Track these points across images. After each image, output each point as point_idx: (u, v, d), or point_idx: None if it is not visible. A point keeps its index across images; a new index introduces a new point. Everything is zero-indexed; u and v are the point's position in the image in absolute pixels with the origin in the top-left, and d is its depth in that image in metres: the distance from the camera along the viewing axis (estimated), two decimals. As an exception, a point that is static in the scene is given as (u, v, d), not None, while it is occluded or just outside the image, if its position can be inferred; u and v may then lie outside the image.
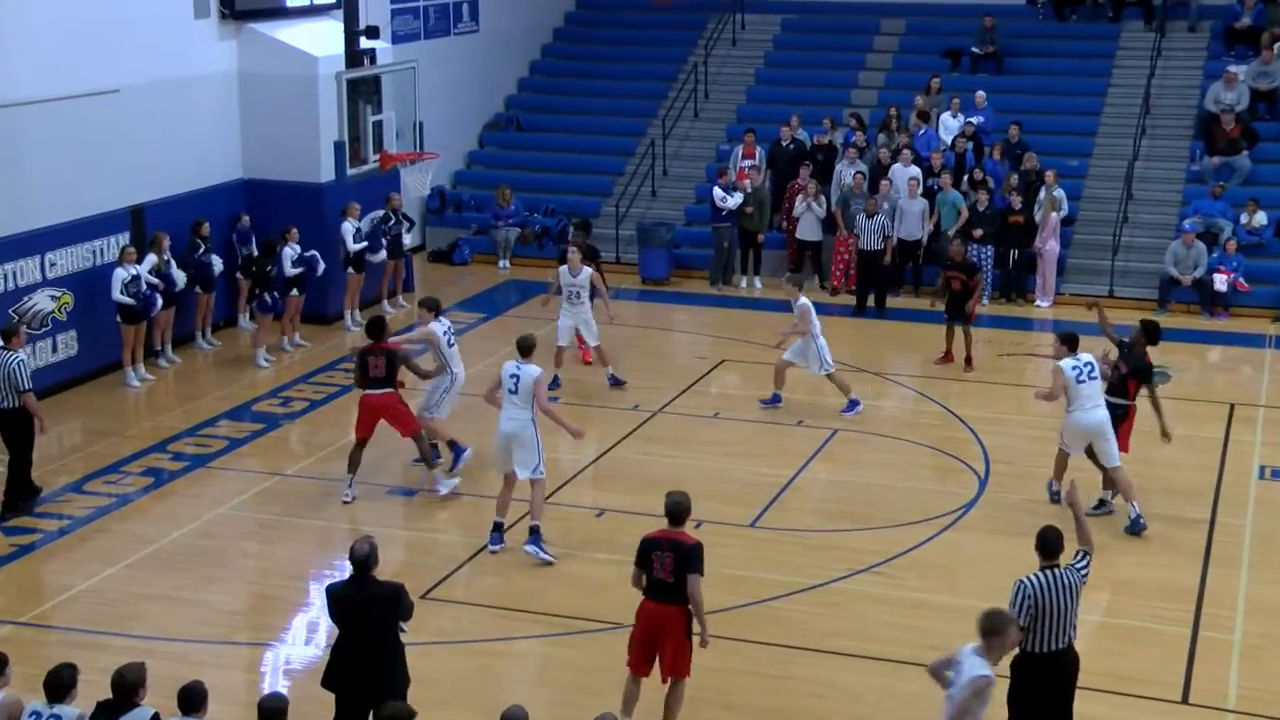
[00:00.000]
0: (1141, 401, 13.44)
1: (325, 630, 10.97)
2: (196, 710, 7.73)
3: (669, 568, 9.23)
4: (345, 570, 9.17)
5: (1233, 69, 22.67)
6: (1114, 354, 13.57)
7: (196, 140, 18.76)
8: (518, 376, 12.31)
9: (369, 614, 8.81)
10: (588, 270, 16.52)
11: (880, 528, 13.17)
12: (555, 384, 16.29)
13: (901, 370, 18.10)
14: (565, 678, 10.60)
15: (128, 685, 7.70)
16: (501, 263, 22.92)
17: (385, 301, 20.27)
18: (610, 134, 25.23)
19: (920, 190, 20.94)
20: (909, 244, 20.98)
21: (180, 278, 17.39)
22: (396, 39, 22.22)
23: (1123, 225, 21.39)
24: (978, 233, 20.42)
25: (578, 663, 10.80)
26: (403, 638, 9.03)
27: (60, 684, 7.76)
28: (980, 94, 23.22)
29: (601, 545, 12.70)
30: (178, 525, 13.18)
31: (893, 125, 22.51)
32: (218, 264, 18.14)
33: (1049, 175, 21.02)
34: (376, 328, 13.63)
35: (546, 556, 12.32)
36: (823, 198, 21.45)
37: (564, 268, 16.58)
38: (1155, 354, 13.67)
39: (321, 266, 18.49)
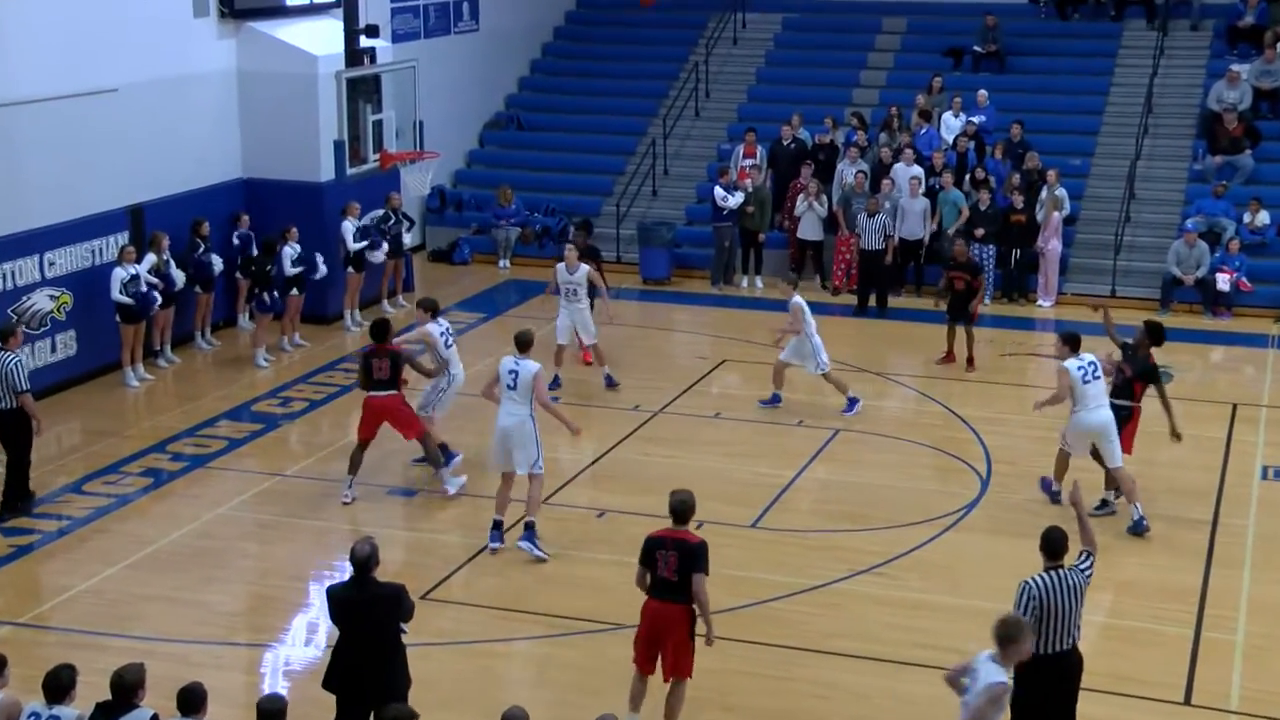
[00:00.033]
0: (1147, 403, 13.40)
1: (325, 631, 10.96)
2: (196, 711, 7.70)
3: (673, 566, 9.22)
4: (345, 571, 9.15)
5: (1235, 68, 22.62)
6: (1116, 355, 13.52)
7: (196, 140, 18.72)
8: (516, 372, 12.30)
9: (369, 615, 8.78)
10: (584, 267, 16.50)
11: (881, 528, 13.13)
12: (555, 384, 16.25)
13: (903, 370, 18.06)
14: (565, 678, 10.57)
15: (127, 686, 7.68)
16: (502, 262, 22.88)
17: (385, 301, 20.23)
18: (611, 133, 25.20)
19: (922, 190, 20.90)
20: (910, 243, 20.93)
21: (179, 277, 17.35)
22: (396, 38, 22.18)
23: (1125, 225, 21.34)
24: (979, 232, 20.38)
25: (578, 663, 10.77)
26: (403, 639, 8.99)
27: (59, 685, 7.74)
28: (982, 93, 23.18)
29: (602, 545, 12.68)
30: (177, 526, 13.15)
31: (894, 124, 22.46)
32: (218, 263, 18.10)
33: (1051, 174, 20.98)
34: (381, 329, 13.58)
35: (540, 553, 12.31)
36: (824, 197, 21.42)
37: (561, 265, 16.59)
38: (1158, 354, 13.62)
39: (323, 270, 18.44)
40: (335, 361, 18.07)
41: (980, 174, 21.22)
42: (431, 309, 14.06)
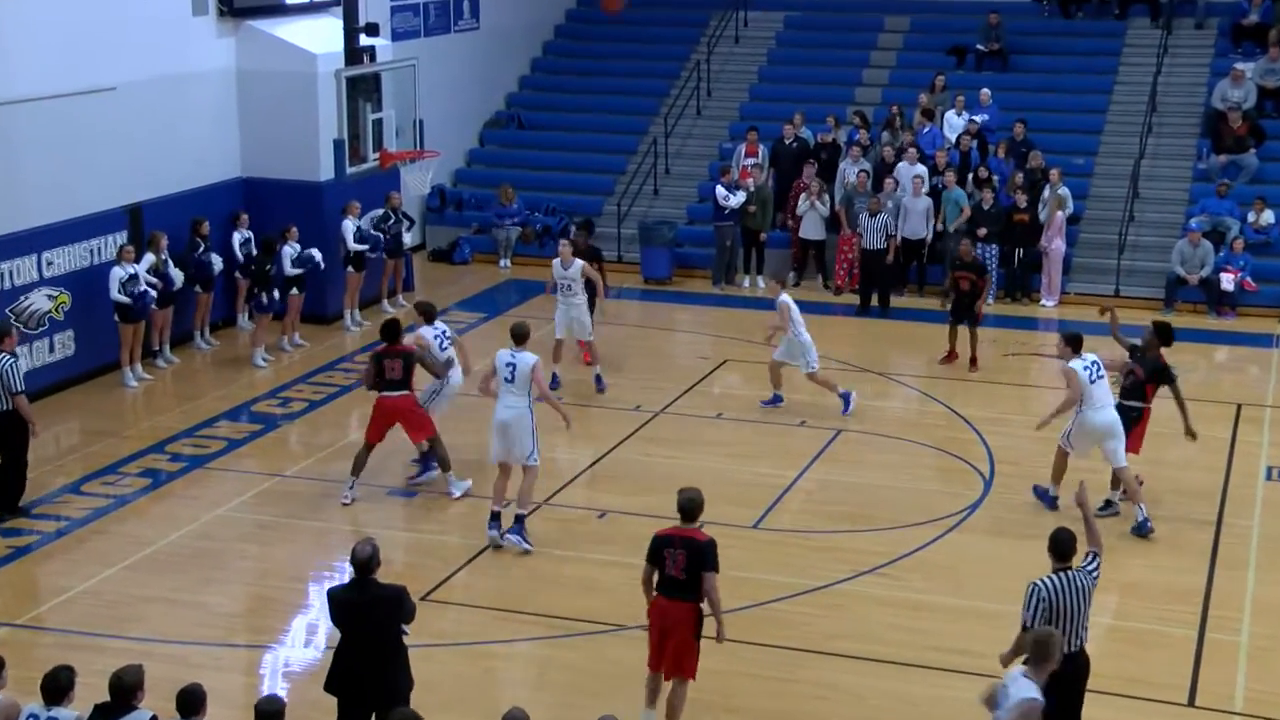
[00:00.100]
0: (1155, 404, 13.32)
1: (325, 633, 10.91)
2: (195, 713, 7.67)
3: (681, 565, 9.19)
4: (345, 572, 9.10)
5: (1240, 66, 22.54)
6: (1118, 356, 13.45)
7: (195, 138, 18.67)
8: (514, 364, 12.32)
9: (371, 617, 8.73)
10: (579, 263, 16.46)
11: (884, 529, 13.07)
12: (555, 384, 16.19)
13: (905, 370, 18.00)
14: (566, 679, 10.53)
15: (126, 688, 7.64)
16: (502, 262, 22.82)
17: (385, 301, 20.17)
18: (612, 132, 25.14)
19: (925, 189, 20.83)
20: (913, 243, 20.86)
21: (178, 277, 17.29)
22: (396, 36, 22.13)
23: (1129, 224, 21.28)
24: (982, 231, 20.30)
25: (579, 664, 10.73)
26: (404, 640, 8.92)
27: (58, 686, 7.71)
28: (985, 91, 23.11)
29: (603, 546, 12.63)
30: (176, 527, 13.10)
31: (896, 123, 22.40)
32: (217, 263, 18.04)
33: (1054, 173, 20.91)
34: (392, 330, 13.51)
35: (527, 545, 12.38)
36: (826, 196, 21.35)
37: (556, 261, 16.60)
38: (1165, 354, 13.54)
39: (321, 263, 18.35)
40: (335, 361, 18.01)
41: (983, 173, 21.15)
42: (426, 313, 13.99)
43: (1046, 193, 20.74)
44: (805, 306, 19.31)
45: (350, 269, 19.22)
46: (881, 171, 21.34)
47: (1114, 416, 12.84)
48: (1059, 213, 20.54)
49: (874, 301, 20.41)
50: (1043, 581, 8.53)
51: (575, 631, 11.15)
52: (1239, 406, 16.39)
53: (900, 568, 12.30)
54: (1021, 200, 20.54)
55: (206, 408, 16.25)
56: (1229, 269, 20.10)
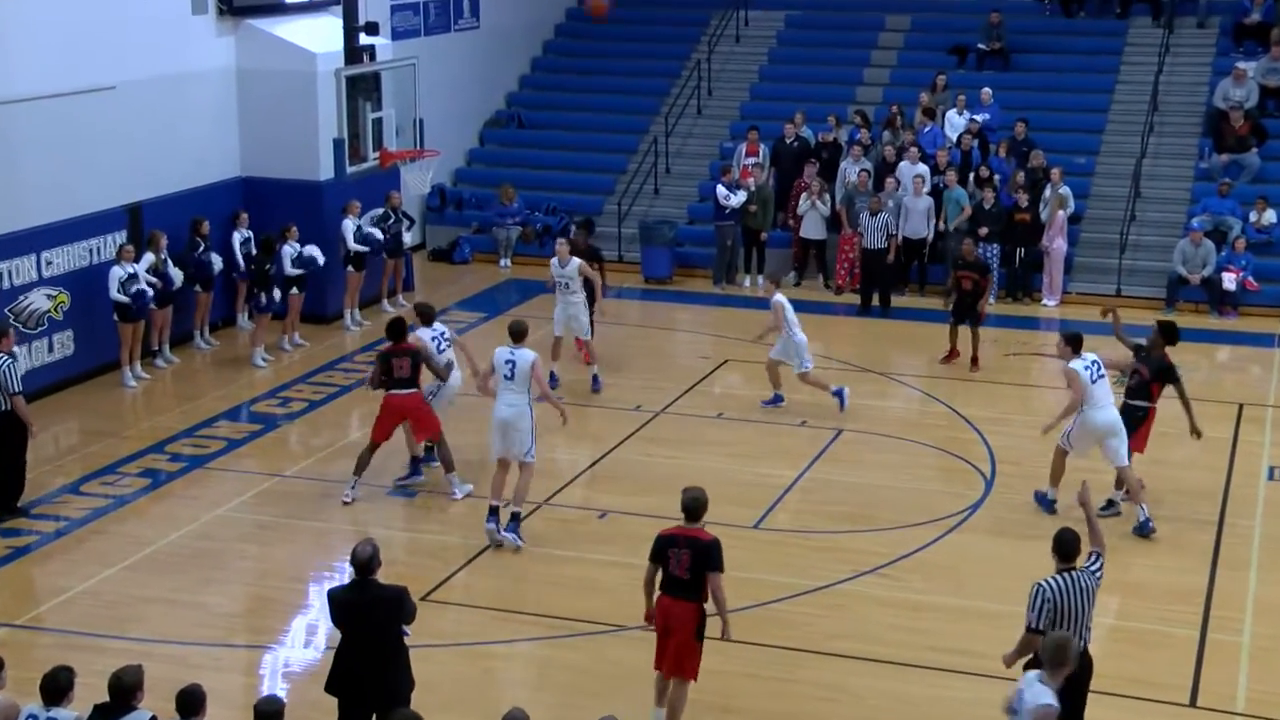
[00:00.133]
0: (1160, 403, 13.28)
1: (325, 633, 10.89)
2: (195, 713, 7.65)
3: (686, 564, 9.17)
4: (345, 572, 9.07)
5: (1242, 65, 22.51)
6: (1119, 356, 13.42)
7: (194, 138, 18.64)
8: (513, 361, 12.33)
9: (371, 617, 8.71)
10: (575, 261, 16.44)
11: (885, 529, 13.04)
12: (553, 382, 16.15)
13: (906, 370, 17.97)
14: (567, 680, 10.50)
15: (125, 688, 7.63)
16: (503, 261, 22.80)
17: (385, 300, 20.14)
18: (613, 131, 25.11)
19: (926, 188, 20.79)
20: (914, 242, 20.83)
21: (177, 276, 17.26)
22: (396, 35, 22.10)
23: (1130, 223, 21.24)
24: (984, 231, 20.26)
25: (579, 665, 10.71)
26: (405, 641, 8.90)
27: (57, 687, 7.69)
28: (986, 91, 23.08)
29: (603, 546, 12.61)
30: (175, 527, 13.07)
31: (897, 122, 22.37)
32: (217, 263, 18.02)
33: (1055, 173, 20.87)
34: (399, 328, 13.48)
35: (519, 542, 12.43)
36: (827, 196, 21.32)
37: (554, 259, 16.60)
38: (1169, 353, 13.51)
39: (321, 260, 18.32)
40: (335, 361, 17.99)
41: (984, 172, 21.11)
42: (424, 316, 13.95)
43: (1048, 192, 20.71)
44: (806, 306, 19.35)
45: (350, 269, 19.19)
46: (883, 171, 21.31)
47: (1115, 415, 12.81)
48: (1060, 212, 20.51)
49: (875, 301, 20.37)
50: (1048, 582, 8.50)
51: (576, 632, 11.12)
52: (1241, 406, 16.37)
53: (901, 568, 12.27)
54: (1023, 199, 20.51)
55: (206, 408, 16.22)
56: (1231, 268, 20.07)
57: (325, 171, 18.15)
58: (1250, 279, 20.11)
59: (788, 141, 22.46)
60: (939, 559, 12.48)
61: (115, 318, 16.55)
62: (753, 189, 21.47)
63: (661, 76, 25.76)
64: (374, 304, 19.93)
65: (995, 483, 14.13)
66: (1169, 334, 13.41)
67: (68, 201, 16.67)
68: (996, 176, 21.01)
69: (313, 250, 18.10)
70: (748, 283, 21.64)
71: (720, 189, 21.35)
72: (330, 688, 8.85)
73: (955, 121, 22.56)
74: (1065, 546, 8.60)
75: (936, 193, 20.92)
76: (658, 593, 9.37)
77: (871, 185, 20.92)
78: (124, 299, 16.39)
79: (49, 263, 16.43)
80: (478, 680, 10.58)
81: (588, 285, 16.60)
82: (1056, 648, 7.70)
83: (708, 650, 9.46)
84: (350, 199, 18.90)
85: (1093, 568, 8.65)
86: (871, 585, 11.96)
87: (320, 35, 19.09)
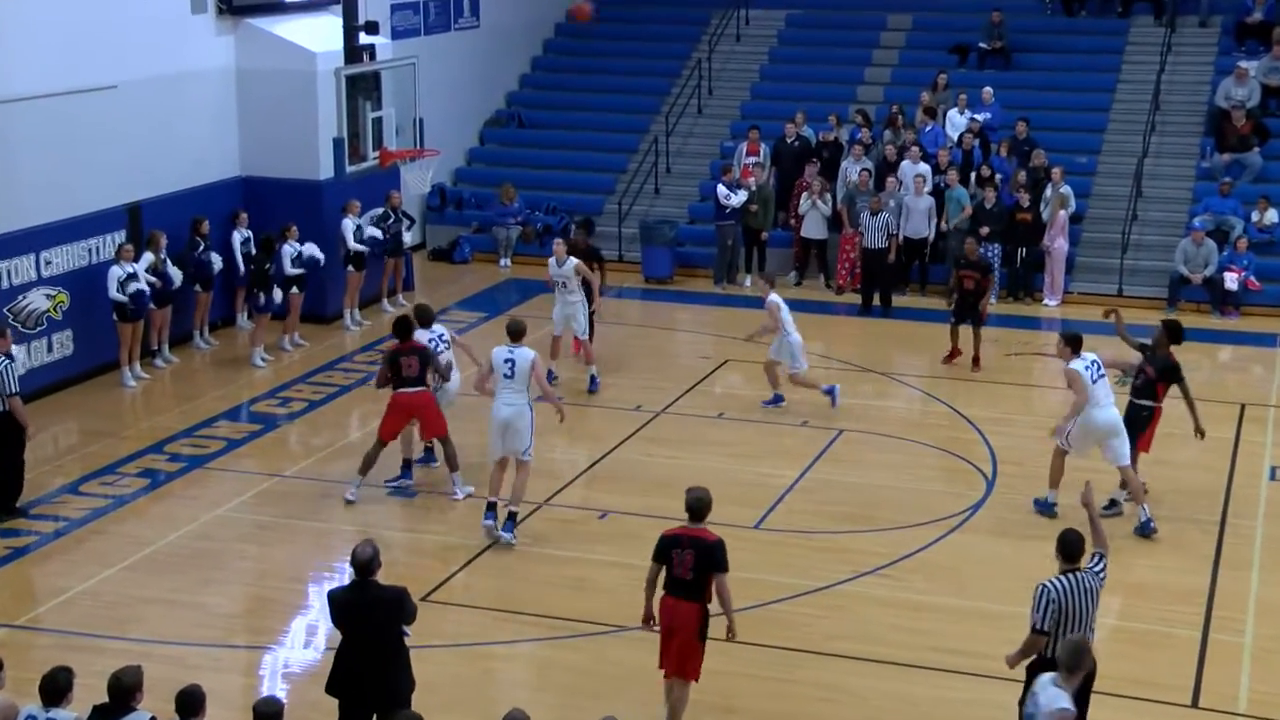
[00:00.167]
0: (1165, 404, 13.24)
1: (324, 633, 10.86)
2: (194, 714, 7.63)
3: (689, 565, 9.14)
4: (345, 573, 9.04)
5: (1244, 64, 22.48)
6: (1121, 355, 13.39)
7: (194, 137, 18.62)
8: (512, 360, 12.33)
9: (371, 618, 8.68)
10: (573, 260, 16.42)
11: (886, 529, 13.01)
12: (551, 380, 16.11)
13: (908, 370, 17.94)
14: (567, 681, 10.48)
15: (124, 689, 7.61)
16: (503, 261, 22.77)
17: (385, 300, 20.11)
18: (613, 131, 25.08)
19: (928, 188, 20.76)
20: (915, 242, 20.80)
21: (177, 276, 17.23)
22: (396, 34, 22.07)
23: (1132, 223, 21.22)
24: (985, 230, 20.23)
25: (580, 666, 10.68)
26: (405, 641, 8.88)
27: (56, 687, 7.67)
28: (987, 90, 23.05)
29: (603, 547, 12.58)
30: (175, 527, 13.04)
31: (898, 122, 22.33)
32: (217, 262, 17.99)
33: (1057, 172, 20.83)
34: (405, 327, 13.45)
35: (513, 540, 12.44)
36: (828, 195, 21.29)
37: (551, 259, 16.60)
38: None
39: (321, 259, 18.30)
40: (334, 361, 17.96)
41: (986, 171, 21.07)
42: (422, 318, 13.91)
43: (1049, 191, 20.67)
44: (807, 306, 19.37)
45: (350, 268, 19.16)
46: (884, 170, 21.28)
47: (1116, 415, 12.79)
48: (1061, 211, 20.47)
49: (876, 301, 20.34)
50: (1052, 583, 8.47)
51: (576, 632, 11.10)
52: (1243, 406, 16.33)
53: (902, 568, 12.24)
54: (1024, 199, 20.47)
55: (206, 408, 16.19)
56: (1232, 268, 20.04)
57: (325, 171, 18.12)
58: (1252, 279, 20.07)
59: (789, 141, 22.43)
60: (940, 559, 12.45)
61: (114, 317, 16.53)
62: (753, 188, 21.44)
63: (662, 76, 25.73)
64: (374, 304, 19.91)
65: (996, 483, 14.10)
66: (1174, 333, 13.39)
67: (67, 201, 16.65)
68: (998, 176, 20.97)
69: (312, 250, 18.08)
70: (748, 282, 21.57)
71: (721, 188, 21.32)
72: (331, 689, 8.83)
73: (956, 121, 22.53)
74: (1069, 547, 8.57)
75: (938, 192, 20.89)
76: (661, 593, 9.34)
77: (872, 185, 20.89)
78: (123, 299, 16.36)
79: (48, 262, 16.40)
80: (478, 681, 10.56)
81: (586, 285, 16.58)
82: (1074, 651, 7.66)
83: (709, 651, 9.43)
84: (350, 198, 18.88)
85: (1096, 568, 8.63)
86: (872, 586, 11.93)
87: (320, 34, 19.06)
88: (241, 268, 18.19)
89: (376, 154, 17.01)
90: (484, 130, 25.59)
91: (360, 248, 19.07)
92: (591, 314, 16.81)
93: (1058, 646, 8.36)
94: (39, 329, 16.29)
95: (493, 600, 11.67)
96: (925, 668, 10.57)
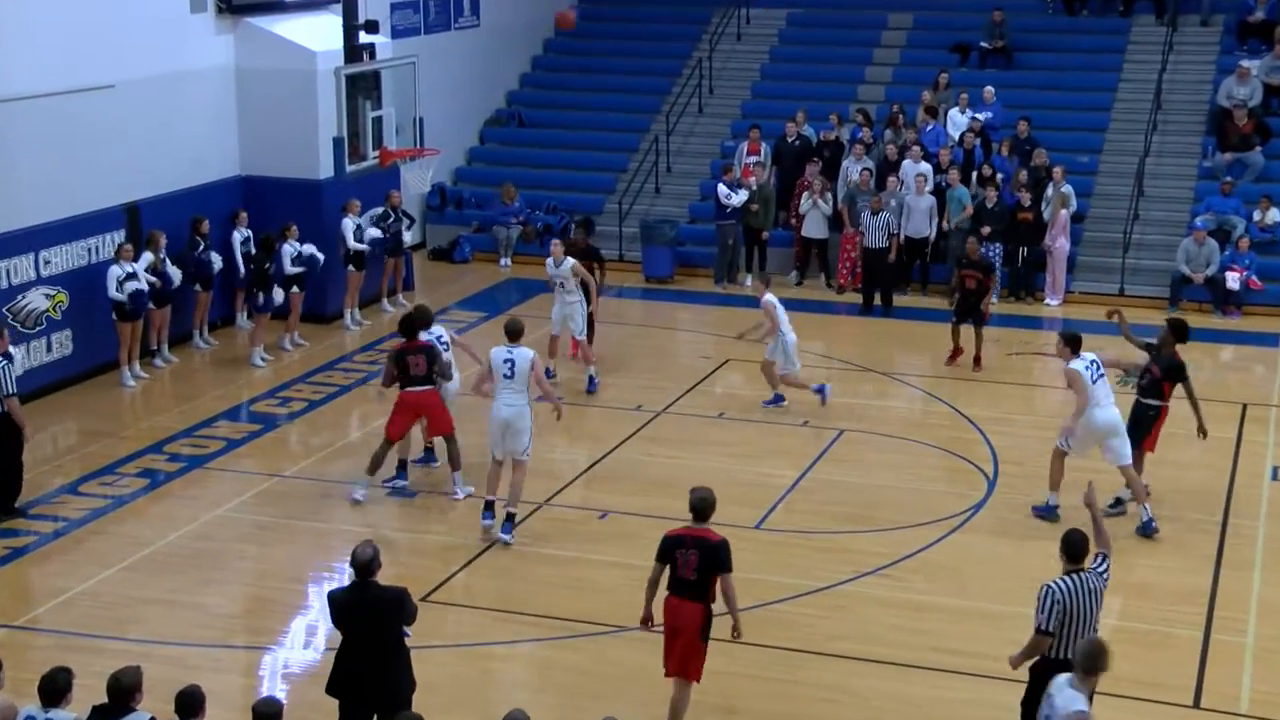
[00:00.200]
0: (1170, 403, 13.21)
1: (324, 634, 10.84)
2: (194, 715, 7.61)
3: (693, 565, 9.12)
4: (344, 573, 9.02)
5: (1245, 64, 22.46)
6: (1121, 355, 13.36)
7: (193, 137, 18.59)
8: (512, 360, 12.32)
9: (371, 619, 8.66)
10: (570, 260, 16.40)
11: (887, 529, 12.99)
12: (550, 377, 16.09)
13: (909, 370, 17.92)
14: (567, 681, 10.46)
15: (124, 689, 7.60)
16: (503, 261, 22.74)
17: (385, 300, 20.09)
18: (613, 130, 25.06)
19: (929, 187, 20.73)
20: (916, 242, 20.77)
21: (176, 275, 17.21)
22: (396, 34, 22.05)
23: (1134, 222, 21.19)
24: (986, 230, 20.20)
25: (580, 666, 10.66)
26: (405, 642, 8.86)
27: (55, 688, 7.66)
28: (989, 89, 23.02)
29: (604, 547, 12.56)
30: (174, 527, 13.02)
31: (899, 121, 22.31)
32: (217, 262, 17.96)
33: (1058, 171, 20.81)
34: (411, 325, 13.42)
35: (509, 539, 12.43)
36: (829, 195, 21.27)
37: (549, 259, 16.58)
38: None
39: (321, 259, 18.26)
40: (334, 361, 17.93)
41: (987, 171, 21.04)
42: (421, 319, 13.87)
43: (1050, 191, 20.65)
44: (808, 306, 19.36)
45: (350, 268, 19.13)
46: (885, 170, 21.26)
47: (1116, 415, 12.76)
48: (1063, 211, 20.45)
49: (877, 301, 20.31)
50: (1057, 584, 8.45)
51: (576, 633, 11.07)
52: (1244, 406, 16.30)
53: (903, 568, 12.22)
54: (1025, 198, 20.45)
55: (205, 407, 16.17)
56: (1234, 268, 20.01)
57: (325, 170, 18.10)
58: (1254, 278, 20.05)
59: (789, 140, 22.40)
60: (941, 559, 12.42)
61: (114, 317, 16.50)
62: (754, 188, 21.41)
63: (663, 75, 25.70)
64: (374, 303, 19.88)
65: (998, 483, 14.07)
66: (1179, 332, 13.36)
67: (66, 200, 16.62)
68: (999, 175, 20.95)
69: (312, 249, 18.05)
70: (749, 282, 21.54)
71: (721, 188, 21.30)
72: (331, 689, 8.81)
73: (958, 120, 22.50)
74: (1074, 548, 8.55)
75: (939, 191, 20.86)
76: (665, 593, 9.32)
77: (873, 184, 20.87)
78: (122, 298, 16.34)
79: (47, 262, 16.37)
80: (478, 681, 10.54)
81: (584, 286, 16.55)
82: (1091, 653, 7.60)
83: (710, 651, 9.40)
84: (350, 198, 18.86)
85: (1100, 569, 8.61)
86: (873, 586, 11.91)
87: (320, 33, 19.03)
88: (241, 267, 18.17)
89: (376, 153, 16.99)
90: (484, 129, 25.57)
91: (360, 247, 19.04)
92: (590, 315, 16.78)
93: (1066, 648, 8.35)
94: (38, 329, 16.27)
95: (493, 600, 11.65)
96: (926, 668, 10.55)
